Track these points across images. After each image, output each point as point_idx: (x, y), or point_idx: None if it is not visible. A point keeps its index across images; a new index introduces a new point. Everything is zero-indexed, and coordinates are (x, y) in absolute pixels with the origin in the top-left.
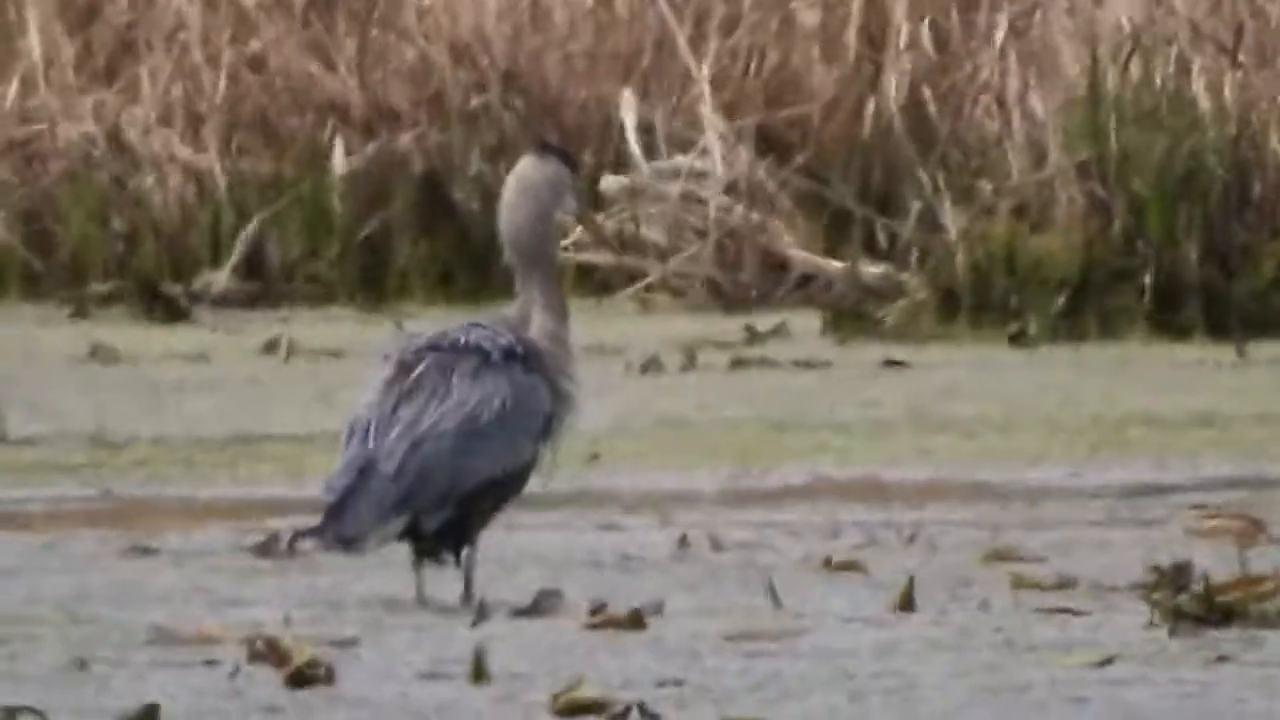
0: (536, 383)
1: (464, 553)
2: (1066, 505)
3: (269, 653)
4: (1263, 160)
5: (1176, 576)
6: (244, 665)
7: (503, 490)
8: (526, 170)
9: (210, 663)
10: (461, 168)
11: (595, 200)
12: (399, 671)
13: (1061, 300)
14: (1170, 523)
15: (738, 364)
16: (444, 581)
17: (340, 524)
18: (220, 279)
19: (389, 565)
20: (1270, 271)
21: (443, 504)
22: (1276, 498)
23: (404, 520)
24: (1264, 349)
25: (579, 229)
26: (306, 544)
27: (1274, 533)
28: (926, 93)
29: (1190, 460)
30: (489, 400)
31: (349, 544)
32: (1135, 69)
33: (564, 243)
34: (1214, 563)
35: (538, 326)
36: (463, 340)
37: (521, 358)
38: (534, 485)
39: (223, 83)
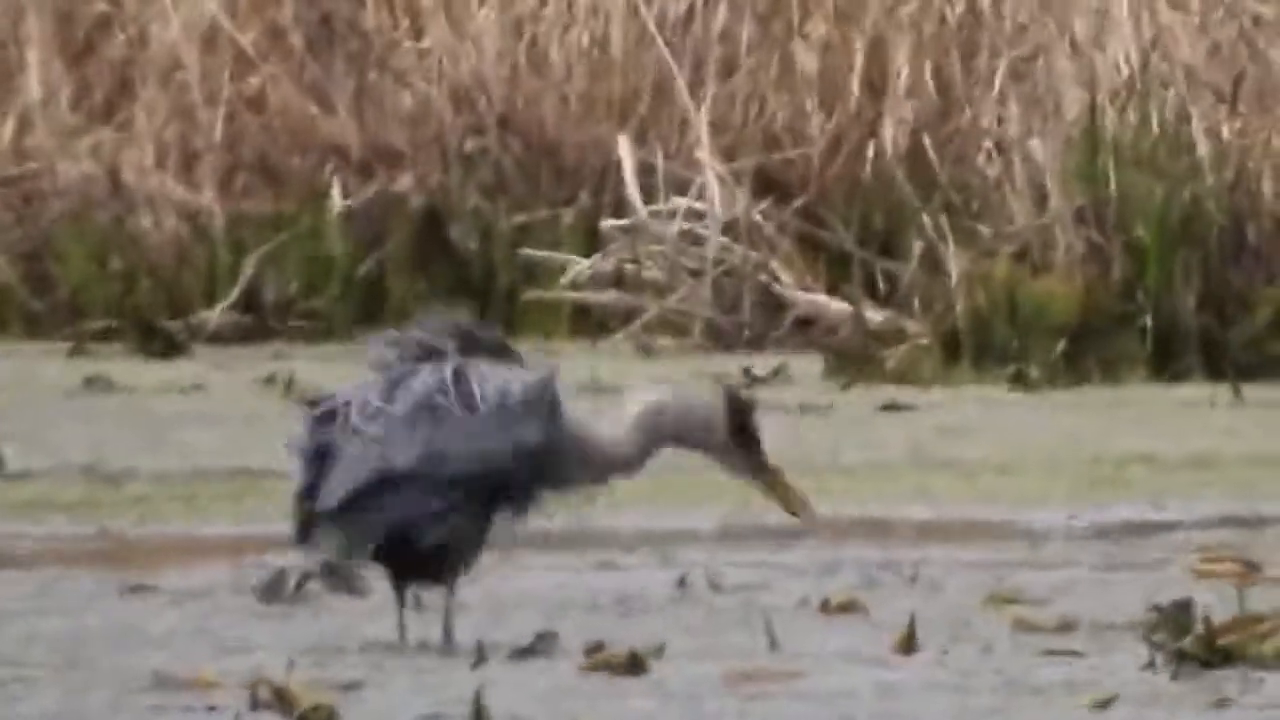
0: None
1: (444, 591)
2: (1067, 546)
3: (273, 699)
4: (1259, 207)
5: (1177, 617)
6: (246, 712)
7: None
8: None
9: (212, 709)
10: (459, 205)
11: (593, 241)
12: (400, 715)
13: (1062, 344)
14: (1170, 563)
15: None
16: (436, 625)
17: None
18: (217, 315)
19: (392, 608)
20: (1266, 317)
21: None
22: (1274, 538)
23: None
24: (1260, 392)
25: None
26: (312, 584)
27: (1272, 573)
28: (927, 137)
29: (1189, 501)
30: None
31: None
32: (1134, 114)
33: (562, 280)
34: (1214, 603)
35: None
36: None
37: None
38: (535, 523)
39: (220, 122)
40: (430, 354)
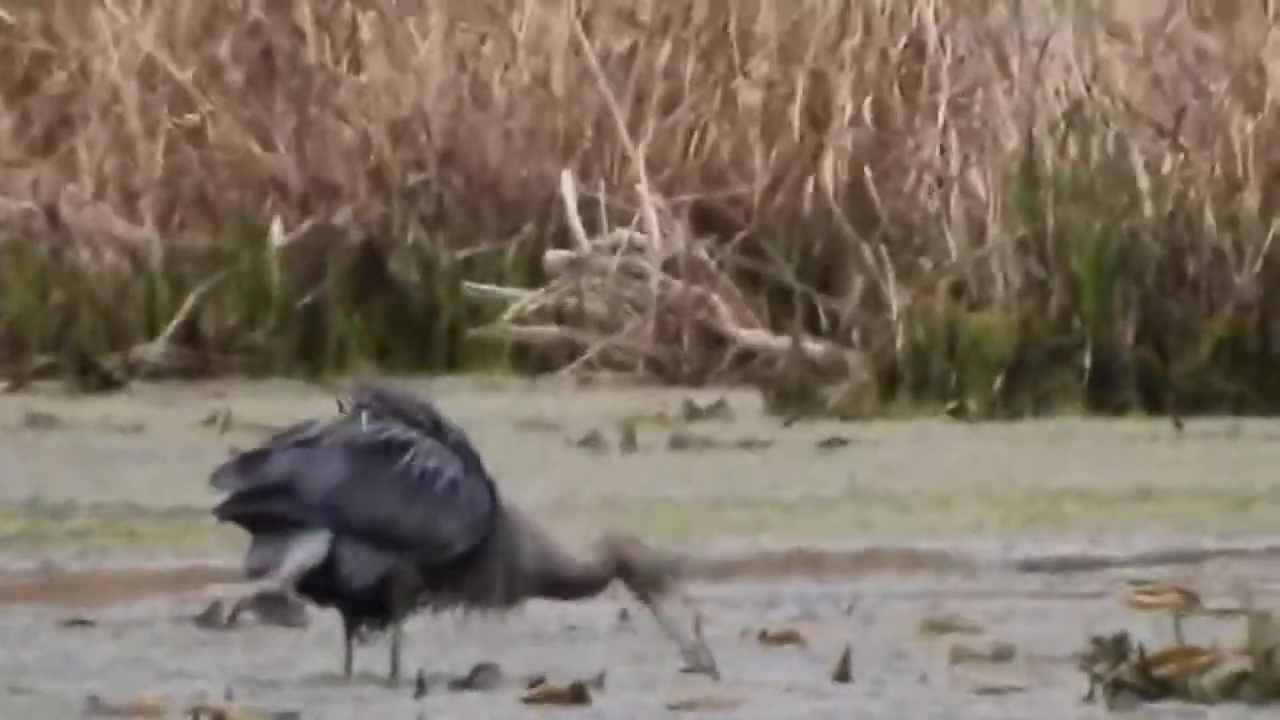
0: (481, 490)
1: (392, 625)
2: (1003, 577)
3: None
4: (1199, 239)
5: (1114, 649)
6: None
7: (420, 561)
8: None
9: None
10: (399, 240)
11: (536, 276)
12: None
13: (1000, 378)
14: (1107, 595)
15: (678, 442)
16: (381, 656)
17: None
18: (156, 351)
19: (331, 639)
20: (1206, 349)
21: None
22: (1212, 570)
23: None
24: (1199, 424)
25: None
26: (247, 615)
27: (1210, 605)
28: (868, 170)
29: (1126, 534)
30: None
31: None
32: (1073, 147)
33: (504, 316)
34: (1151, 635)
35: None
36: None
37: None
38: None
39: (160, 157)
40: (398, 414)
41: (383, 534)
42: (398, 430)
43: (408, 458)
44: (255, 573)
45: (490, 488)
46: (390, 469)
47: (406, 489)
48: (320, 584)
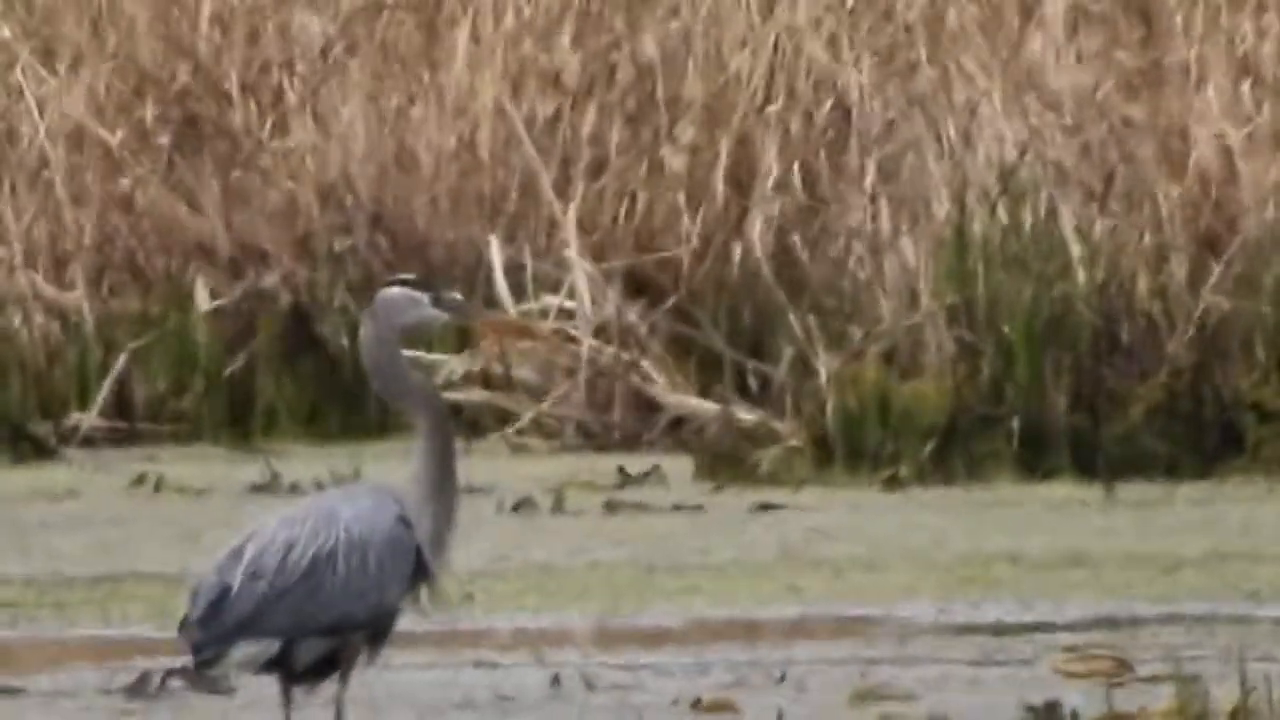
0: (403, 531)
1: (337, 689)
2: (936, 643)
3: None
4: (1131, 305)
5: (1046, 716)
6: None
7: (371, 631)
8: (371, 303)
9: None
10: (327, 303)
11: (464, 341)
12: None
13: (931, 444)
14: (1039, 662)
15: (610, 507)
16: (313, 719)
17: (200, 646)
18: (88, 418)
19: (258, 705)
20: (1138, 414)
21: (302, 632)
22: (1143, 637)
23: (268, 647)
24: (1131, 490)
25: (460, 359)
26: (177, 683)
27: (1141, 672)
28: (795, 236)
29: (1058, 600)
30: (348, 536)
31: (206, 664)
32: (1004, 213)
33: (437, 380)
34: (1083, 702)
35: (414, 470)
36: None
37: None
38: (411, 621)
39: (90, 223)
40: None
41: (338, 629)
42: (333, 531)
43: (351, 556)
44: (200, 654)
45: (409, 525)
46: (337, 574)
47: (358, 586)
48: (267, 666)
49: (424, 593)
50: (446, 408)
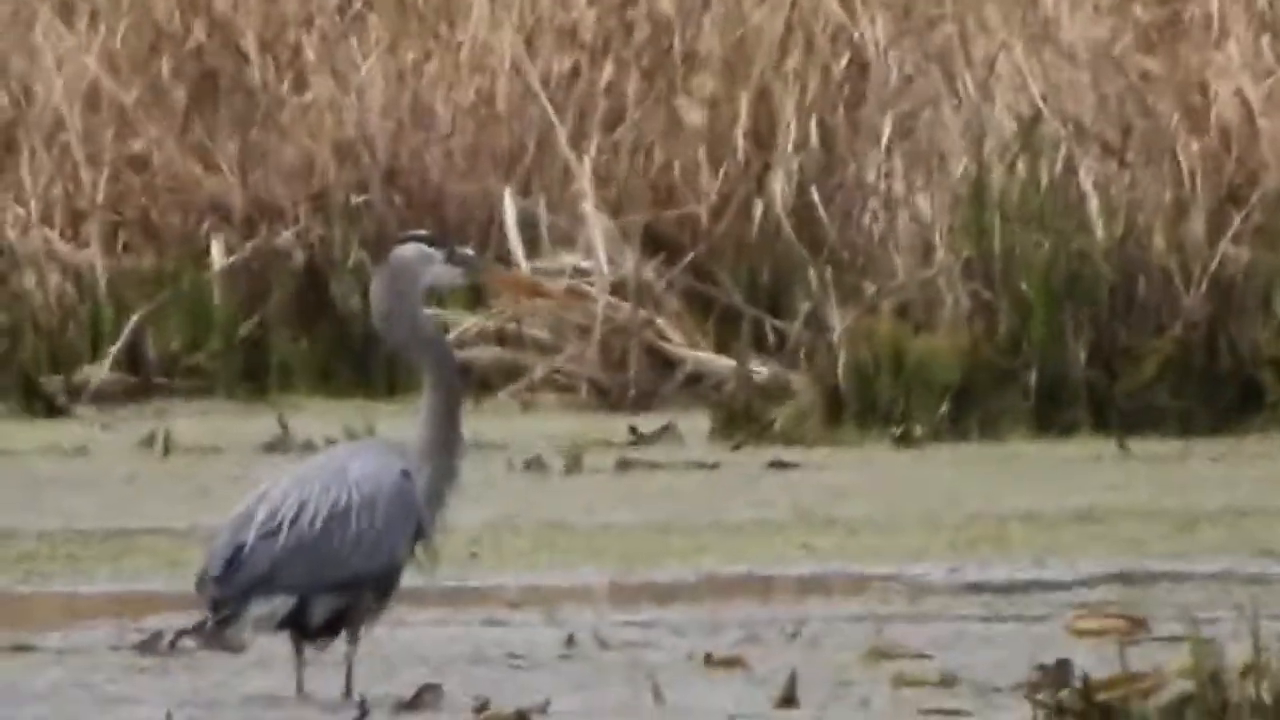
0: (409, 487)
1: (346, 647)
2: (948, 601)
3: None
4: (1148, 261)
5: (1058, 675)
6: None
7: (380, 588)
8: (385, 259)
9: None
10: (342, 261)
11: (477, 298)
12: None
13: (946, 401)
14: (1052, 619)
15: (623, 465)
16: (324, 677)
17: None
18: (99, 373)
19: (270, 663)
20: (1153, 370)
21: (316, 589)
22: (1158, 594)
23: (283, 604)
24: (1146, 445)
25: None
26: (189, 641)
27: (1155, 630)
28: (814, 192)
29: (1072, 557)
30: (359, 494)
31: (224, 622)
32: (1021, 168)
33: (449, 337)
34: (1095, 660)
35: (418, 427)
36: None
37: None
38: (416, 578)
39: (104, 181)
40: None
41: (350, 585)
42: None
43: (361, 513)
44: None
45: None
46: (349, 531)
47: (369, 543)
48: (281, 624)
49: (419, 549)
50: (456, 364)
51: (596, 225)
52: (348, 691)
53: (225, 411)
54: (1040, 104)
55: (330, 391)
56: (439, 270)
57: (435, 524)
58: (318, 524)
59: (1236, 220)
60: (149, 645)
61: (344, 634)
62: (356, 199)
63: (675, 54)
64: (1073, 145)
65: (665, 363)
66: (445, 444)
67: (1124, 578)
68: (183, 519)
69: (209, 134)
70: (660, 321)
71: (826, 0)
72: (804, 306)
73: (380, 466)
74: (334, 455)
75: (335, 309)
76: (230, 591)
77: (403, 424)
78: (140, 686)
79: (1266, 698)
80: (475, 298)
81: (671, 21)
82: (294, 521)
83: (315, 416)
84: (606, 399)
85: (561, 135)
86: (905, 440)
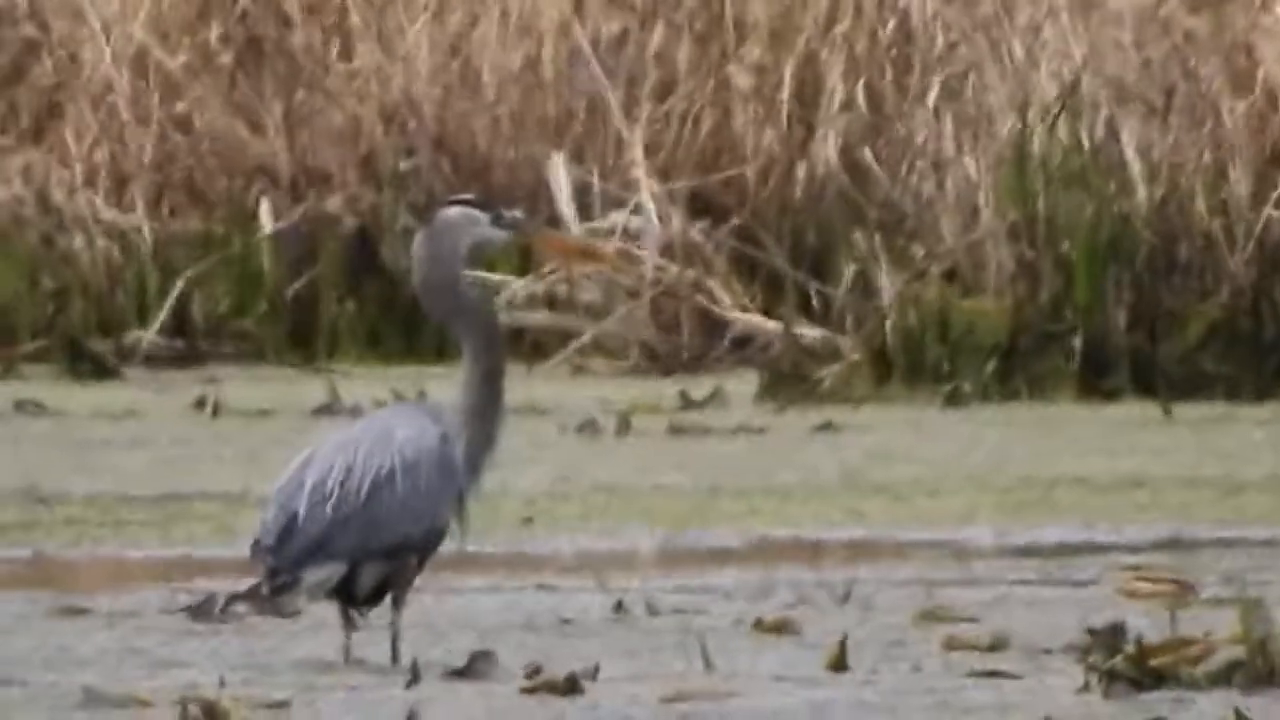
0: (450, 452)
1: (392, 614)
2: (998, 565)
3: (203, 716)
4: (1190, 224)
5: (1109, 639)
6: None
7: (423, 552)
8: (429, 223)
9: None
10: (390, 226)
11: (528, 262)
12: None
13: (992, 363)
14: (1101, 583)
15: (674, 429)
16: (375, 644)
17: (274, 572)
18: (147, 336)
19: (322, 628)
20: (1197, 334)
21: (366, 554)
22: (1204, 559)
23: (335, 570)
24: (1191, 410)
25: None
26: (240, 606)
27: (1204, 594)
28: (862, 154)
29: (1120, 521)
30: (403, 459)
31: (281, 590)
32: (1064, 131)
33: (499, 302)
34: (1145, 624)
35: (457, 393)
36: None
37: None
38: (451, 547)
39: (150, 144)
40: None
41: (398, 550)
42: (389, 454)
43: (406, 478)
44: (274, 579)
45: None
46: (396, 496)
47: (415, 507)
48: (331, 591)
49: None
50: (499, 332)
51: (646, 189)
52: (394, 657)
53: (274, 376)
54: (1083, 66)
55: (379, 355)
56: (484, 232)
57: (470, 491)
58: (365, 490)
59: None
60: (200, 610)
61: (390, 599)
62: (404, 164)
63: (726, 19)
64: (1115, 107)
65: (714, 325)
66: (483, 412)
67: (1171, 543)
68: (233, 482)
69: (257, 99)
70: (709, 284)
71: None
72: (849, 269)
73: (420, 431)
74: (374, 420)
75: (384, 273)
76: (285, 561)
77: (451, 388)
78: (191, 650)
79: None
80: (525, 262)
81: None
82: (342, 487)
83: (363, 381)
84: (656, 362)
85: (613, 101)
86: (952, 400)
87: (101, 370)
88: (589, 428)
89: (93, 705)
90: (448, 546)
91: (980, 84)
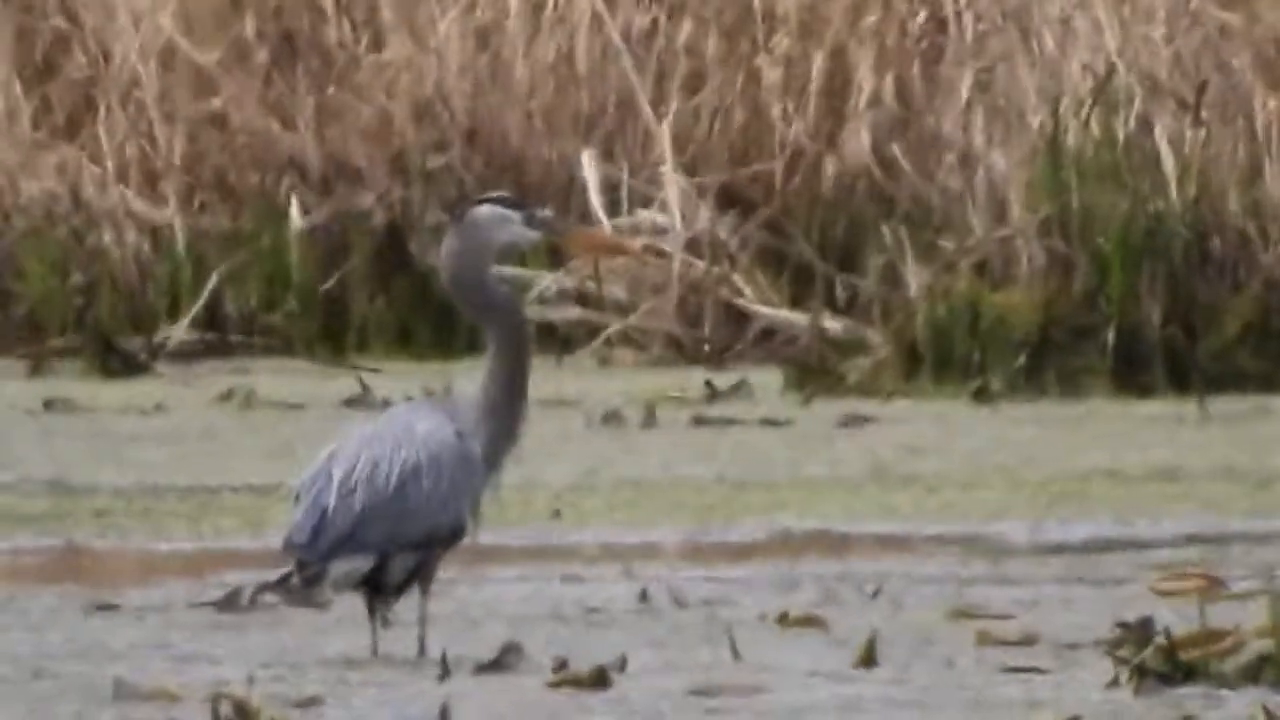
0: (470, 445)
1: (419, 605)
2: (1029, 561)
3: (235, 714)
4: (1223, 218)
5: (1140, 634)
6: None
7: (448, 544)
8: (459, 220)
9: None
10: (421, 221)
11: (557, 257)
12: None
13: (1023, 357)
14: (1133, 579)
15: (699, 421)
16: (400, 638)
17: (304, 564)
18: (179, 332)
19: (351, 622)
20: (1232, 329)
21: (396, 546)
22: (1237, 554)
23: (364, 562)
24: (1225, 405)
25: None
26: (269, 598)
27: (1235, 588)
28: (892, 148)
29: (1152, 516)
30: (427, 452)
31: (311, 581)
32: (1097, 125)
33: (529, 296)
34: (1176, 619)
35: (477, 388)
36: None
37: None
38: (502, 536)
39: (181, 140)
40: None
41: (426, 542)
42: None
43: (431, 471)
44: (305, 571)
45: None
46: (422, 488)
47: (441, 499)
48: (360, 583)
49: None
50: (527, 330)
51: (674, 185)
52: (421, 649)
53: (304, 370)
54: (1115, 59)
55: (409, 351)
56: (515, 231)
57: (488, 485)
58: (392, 482)
59: None
60: (228, 602)
61: (416, 591)
62: (435, 160)
63: (755, 11)
64: (1148, 102)
65: (740, 318)
66: (502, 409)
67: (1203, 537)
68: (263, 475)
69: (288, 93)
70: (735, 278)
71: None
72: (877, 262)
73: (439, 424)
74: (396, 414)
75: (415, 268)
76: (316, 554)
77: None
78: (219, 644)
79: None
80: (556, 258)
81: None
82: (369, 480)
83: (393, 377)
84: (682, 354)
85: (643, 96)
86: (982, 395)
87: (132, 365)
88: (615, 419)
89: (123, 699)
90: (470, 540)
91: (1011, 76)
